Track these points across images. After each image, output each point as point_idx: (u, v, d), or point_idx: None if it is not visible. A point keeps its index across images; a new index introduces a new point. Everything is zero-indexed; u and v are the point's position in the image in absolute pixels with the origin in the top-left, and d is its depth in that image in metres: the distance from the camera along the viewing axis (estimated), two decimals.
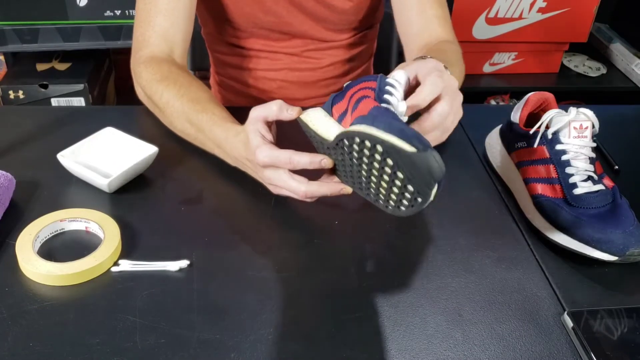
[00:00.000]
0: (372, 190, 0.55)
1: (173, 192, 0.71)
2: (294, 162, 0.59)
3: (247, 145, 0.63)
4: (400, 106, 0.56)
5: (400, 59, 1.07)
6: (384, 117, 0.51)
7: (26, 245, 0.60)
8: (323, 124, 0.60)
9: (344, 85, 0.63)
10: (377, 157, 0.50)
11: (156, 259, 0.61)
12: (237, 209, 0.70)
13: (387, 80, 0.59)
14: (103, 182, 0.68)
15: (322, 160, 0.59)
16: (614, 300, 0.60)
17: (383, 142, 0.48)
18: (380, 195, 0.54)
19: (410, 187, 0.49)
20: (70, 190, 0.70)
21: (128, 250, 0.62)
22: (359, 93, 0.59)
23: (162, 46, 0.81)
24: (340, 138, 0.54)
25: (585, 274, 0.63)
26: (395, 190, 0.51)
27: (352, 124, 0.55)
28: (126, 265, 0.60)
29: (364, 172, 0.54)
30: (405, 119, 0.57)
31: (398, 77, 0.59)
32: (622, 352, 0.53)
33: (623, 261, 0.61)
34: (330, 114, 0.62)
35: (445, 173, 0.48)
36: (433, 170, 0.47)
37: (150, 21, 0.81)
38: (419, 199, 0.50)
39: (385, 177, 0.51)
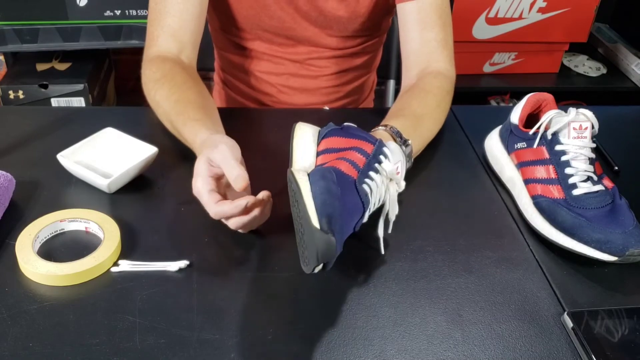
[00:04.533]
0: (295, 225, 0.58)
1: (173, 192, 0.71)
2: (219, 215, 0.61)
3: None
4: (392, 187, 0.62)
5: (399, 73, 1.07)
6: (325, 185, 0.54)
7: (26, 246, 0.60)
8: (302, 148, 0.64)
9: (345, 124, 0.66)
10: (296, 210, 0.55)
11: (156, 259, 0.61)
12: None
13: (383, 150, 0.62)
14: (103, 183, 0.68)
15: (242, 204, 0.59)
16: (614, 301, 0.60)
17: (300, 203, 0.52)
18: (296, 235, 0.58)
19: (305, 252, 0.53)
20: (70, 190, 0.70)
21: (128, 250, 0.62)
22: (350, 153, 0.62)
23: (170, 45, 0.82)
24: (289, 174, 0.58)
25: (585, 274, 0.63)
26: (301, 242, 0.55)
27: (315, 166, 0.61)
28: (126, 265, 0.60)
29: (293, 211, 0.58)
30: (395, 199, 0.62)
31: (393, 150, 0.63)
32: (622, 352, 0.53)
33: (623, 261, 0.61)
34: (318, 142, 0.65)
35: (332, 262, 0.52)
36: (321, 252, 0.50)
37: (161, 21, 0.82)
38: (306, 264, 0.54)
39: (298, 228, 0.56)
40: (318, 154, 0.64)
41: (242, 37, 0.96)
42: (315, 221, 0.50)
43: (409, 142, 0.71)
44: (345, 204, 0.55)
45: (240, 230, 0.63)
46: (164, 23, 0.82)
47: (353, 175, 0.59)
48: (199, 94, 0.76)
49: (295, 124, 0.66)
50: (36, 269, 0.57)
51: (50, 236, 0.63)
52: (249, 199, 0.59)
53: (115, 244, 0.61)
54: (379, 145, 0.62)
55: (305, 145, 0.64)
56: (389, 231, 0.62)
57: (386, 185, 0.61)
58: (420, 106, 0.79)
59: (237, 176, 0.59)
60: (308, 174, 0.56)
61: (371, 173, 0.60)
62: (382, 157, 0.61)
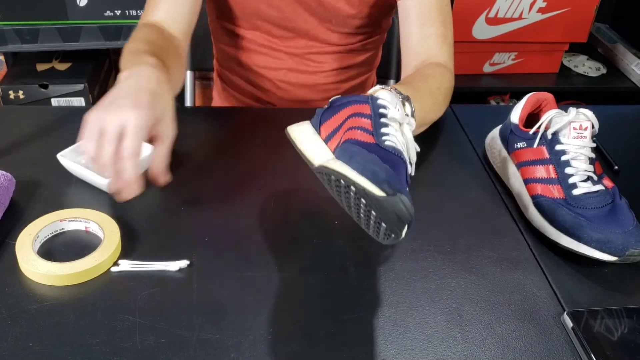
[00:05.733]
0: (354, 214, 0.57)
1: (173, 192, 0.71)
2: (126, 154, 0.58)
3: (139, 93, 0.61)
4: (406, 131, 0.59)
5: (400, 72, 1.07)
6: (360, 156, 0.53)
7: (26, 245, 0.60)
8: (310, 143, 0.62)
9: (330, 100, 0.63)
10: (352, 195, 0.53)
11: (156, 259, 0.61)
12: (237, 209, 0.70)
13: (379, 102, 0.60)
14: (103, 182, 0.68)
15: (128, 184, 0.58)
16: (614, 300, 0.60)
17: (355, 185, 0.51)
18: (362, 222, 0.56)
19: (383, 225, 0.52)
20: (70, 190, 0.70)
21: (128, 250, 0.62)
22: (352, 121, 0.59)
23: (158, 18, 0.83)
24: (318, 171, 0.56)
25: (585, 274, 0.63)
26: (372, 223, 0.54)
27: (335, 151, 0.58)
28: (126, 265, 0.60)
29: (344, 201, 0.56)
30: (411, 136, 0.59)
31: (385, 97, 0.60)
32: (622, 352, 0.53)
33: (623, 261, 0.61)
34: (318, 131, 0.63)
35: (413, 215, 0.50)
36: (401, 215, 0.49)
37: (157, 3, 0.83)
38: (392, 235, 0.52)
39: (362, 211, 0.54)
40: (325, 141, 0.62)
41: (240, 25, 0.95)
42: (378, 191, 0.49)
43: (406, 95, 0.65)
44: (386, 164, 0.54)
45: (110, 188, 0.60)
46: (159, 6, 0.83)
47: (371, 140, 0.57)
48: (164, 44, 0.76)
49: (286, 130, 0.64)
50: (36, 269, 0.57)
51: (50, 236, 0.63)
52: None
53: (115, 243, 0.61)
54: (372, 100, 0.60)
55: (311, 141, 0.62)
56: (412, 173, 0.60)
57: (400, 130, 0.59)
58: (420, 82, 0.77)
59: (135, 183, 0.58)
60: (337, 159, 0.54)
61: (383, 129, 0.58)
62: (382, 109, 0.59)
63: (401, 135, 0.59)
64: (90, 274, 0.58)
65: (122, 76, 0.64)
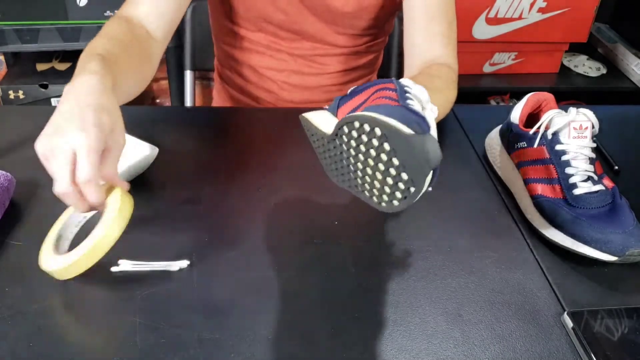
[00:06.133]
0: (366, 184, 0.55)
1: (173, 192, 0.71)
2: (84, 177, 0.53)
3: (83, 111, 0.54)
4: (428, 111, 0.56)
5: (400, 74, 1.07)
6: (388, 106, 0.51)
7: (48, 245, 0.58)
8: (326, 121, 0.60)
9: (350, 90, 0.62)
10: (375, 142, 0.50)
11: (156, 259, 0.61)
12: (237, 209, 0.70)
13: (402, 82, 0.58)
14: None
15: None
16: (614, 300, 0.60)
17: (381, 124, 0.48)
18: (375, 190, 0.54)
19: (404, 176, 0.49)
20: None
21: (128, 250, 0.62)
22: (379, 93, 0.57)
23: (139, 11, 0.77)
24: (340, 125, 0.53)
25: (585, 274, 0.63)
26: (390, 180, 0.51)
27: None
28: (126, 265, 0.60)
29: (359, 165, 0.54)
30: (433, 121, 0.56)
31: (408, 82, 0.58)
32: (622, 352, 0.53)
33: (623, 261, 0.61)
34: (336, 115, 0.61)
35: (440, 161, 0.47)
36: (429, 154, 0.46)
37: None
38: (412, 189, 0.49)
39: (381, 166, 0.51)
40: None
41: (245, 27, 0.95)
42: (406, 129, 0.46)
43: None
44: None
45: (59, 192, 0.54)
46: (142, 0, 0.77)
47: (397, 104, 0.55)
48: (129, 56, 0.69)
49: (300, 115, 0.62)
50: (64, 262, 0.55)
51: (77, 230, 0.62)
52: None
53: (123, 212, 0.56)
54: (396, 80, 0.58)
55: (327, 120, 0.59)
56: None
57: (423, 111, 0.57)
58: (428, 82, 0.73)
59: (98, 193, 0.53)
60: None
61: (408, 101, 0.56)
62: (406, 88, 0.57)
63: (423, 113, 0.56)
64: (98, 252, 0.55)
65: (64, 91, 0.58)
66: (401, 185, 0.50)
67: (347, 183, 0.59)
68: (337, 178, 0.60)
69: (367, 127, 0.50)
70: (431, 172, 0.48)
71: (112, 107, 0.57)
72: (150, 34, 0.77)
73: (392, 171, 0.50)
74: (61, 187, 0.53)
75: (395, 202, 0.52)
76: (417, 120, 0.48)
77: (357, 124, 0.51)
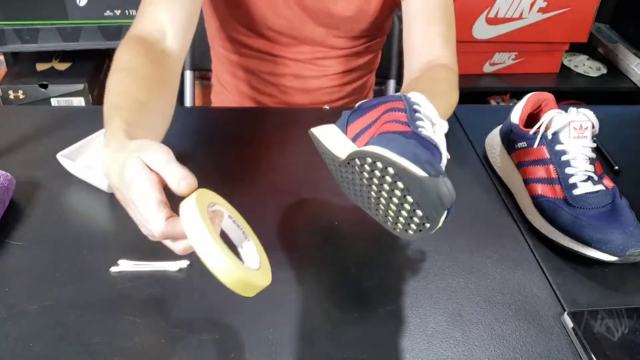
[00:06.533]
0: (380, 211, 0.55)
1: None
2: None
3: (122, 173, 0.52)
4: (438, 131, 0.56)
5: (400, 73, 1.07)
6: (399, 141, 0.51)
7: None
8: (336, 141, 0.59)
9: (357, 104, 0.61)
10: (388, 179, 0.50)
11: (156, 259, 0.61)
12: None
13: (411, 100, 0.58)
14: (103, 182, 0.68)
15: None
16: (614, 300, 0.60)
17: (394, 165, 0.48)
18: (389, 217, 0.54)
19: (419, 212, 0.49)
20: (70, 190, 0.70)
21: (128, 250, 0.62)
22: (387, 116, 0.57)
23: (153, 27, 0.73)
24: (352, 157, 0.53)
25: (585, 274, 0.63)
26: (404, 213, 0.51)
27: (367, 144, 0.54)
28: (126, 265, 0.60)
29: (373, 193, 0.54)
30: (443, 138, 0.56)
31: (415, 97, 0.58)
32: (622, 352, 0.53)
33: (623, 261, 0.61)
34: (345, 132, 0.61)
35: (454, 200, 0.47)
36: (443, 197, 0.46)
37: (154, 9, 0.74)
38: (427, 225, 0.49)
39: (395, 200, 0.51)
40: (353, 140, 0.59)
41: (245, 34, 0.95)
42: (420, 171, 0.46)
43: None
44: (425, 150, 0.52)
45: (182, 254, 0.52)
46: (156, 7, 0.74)
47: (407, 129, 0.54)
48: (138, 93, 0.63)
49: (309, 130, 0.61)
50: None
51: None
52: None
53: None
54: (405, 97, 0.58)
55: (338, 138, 0.59)
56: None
57: (432, 131, 0.57)
58: (430, 88, 0.73)
59: (186, 176, 0.49)
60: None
61: (418, 122, 0.55)
62: (415, 106, 0.57)
63: (434, 134, 0.56)
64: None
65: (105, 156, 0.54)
66: (416, 220, 0.50)
67: (359, 203, 0.59)
68: (350, 195, 0.60)
69: (379, 165, 0.50)
70: (446, 211, 0.48)
71: (121, 182, 0.52)
72: (166, 52, 0.72)
73: (407, 206, 0.50)
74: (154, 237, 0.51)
75: (411, 232, 0.52)
76: (429, 160, 0.48)
77: (369, 160, 0.50)
